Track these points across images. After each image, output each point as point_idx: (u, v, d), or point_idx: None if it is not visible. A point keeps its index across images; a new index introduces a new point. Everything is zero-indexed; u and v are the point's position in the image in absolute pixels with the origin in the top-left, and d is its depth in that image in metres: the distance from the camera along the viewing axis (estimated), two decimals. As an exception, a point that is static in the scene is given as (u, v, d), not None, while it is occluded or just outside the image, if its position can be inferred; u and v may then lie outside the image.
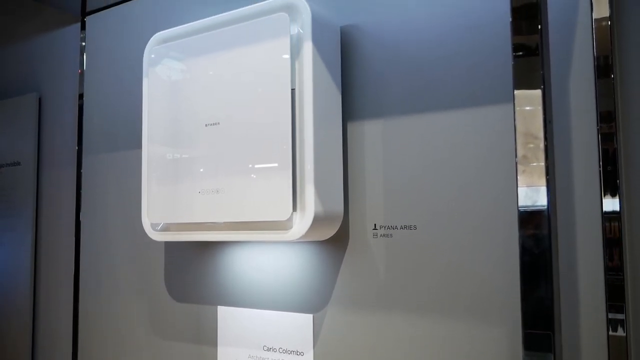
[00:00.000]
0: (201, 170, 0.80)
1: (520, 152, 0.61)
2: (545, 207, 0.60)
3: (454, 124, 0.71)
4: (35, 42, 1.28)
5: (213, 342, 0.91)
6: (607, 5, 0.62)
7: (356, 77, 0.79)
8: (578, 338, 0.63)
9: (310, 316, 0.81)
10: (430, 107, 0.73)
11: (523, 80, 0.62)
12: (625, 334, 0.60)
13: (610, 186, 0.61)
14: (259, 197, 0.74)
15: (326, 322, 0.80)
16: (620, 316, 0.60)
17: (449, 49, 0.72)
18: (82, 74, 1.15)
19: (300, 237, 0.72)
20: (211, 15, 0.84)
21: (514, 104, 0.61)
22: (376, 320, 0.76)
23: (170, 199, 0.83)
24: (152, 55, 0.88)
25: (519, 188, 0.61)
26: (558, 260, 0.64)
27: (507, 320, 0.66)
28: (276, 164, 0.73)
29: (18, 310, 1.21)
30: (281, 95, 0.73)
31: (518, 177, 0.61)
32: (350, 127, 0.80)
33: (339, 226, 0.78)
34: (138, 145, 0.96)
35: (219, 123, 0.79)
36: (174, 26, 0.89)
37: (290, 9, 0.75)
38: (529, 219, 0.61)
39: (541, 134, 0.60)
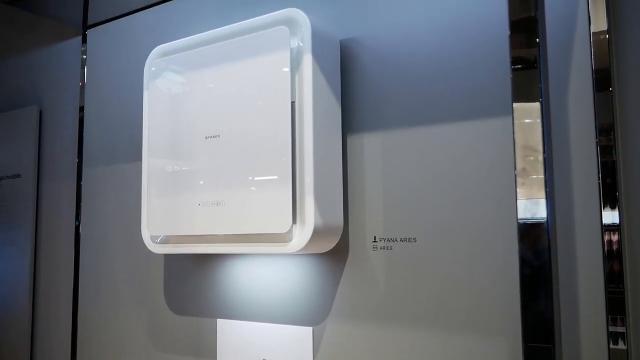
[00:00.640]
0: (201, 182, 0.80)
1: (519, 165, 0.61)
2: (545, 220, 0.60)
3: (453, 136, 0.72)
4: (37, 54, 1.28)
5: (212, 355, 0.90)
6: (605, 18, 0.63)
7: (356, 90, 0.80)
8: (579, 351, 0.62)
9: (310, 329, 0.81)
10: (430, 119, 0.74)
11: (522, 93, 0.62)
12: (626, 347, 0.60)
13: (610, 198, 0.61)
14: (258, 210, 0.74)
15: (326, 335, 0.79)
16: (621, 329, 0.60)
17: (448, 63, 0.73)
18: (82, 87, 1.16)
19: (300, 250, 0.72)
20: (212, 29, 0.84)
21: (512, 116, 0.61)
22: (376, 333, 0.75)
23: (170, 211, 0.83)
24: (153, 68, 0.88)
25: (518, 200, 0.61)
26: (558, 272, 0.64)
27: (507, 333, 0.66)
28: (276, 177, 0.73)
29: (17, 323, 1.20)
30: (281, 108, 0.74)
31: (517, 190, 0.61)
32: (350, 139, 0.80)
33: (338, 238, 0.78)
34: (138, 157, 0.96)
35: (219, 135, 0.79)
36: (175, 39, 0.89)
37: (290, 23, 0.76)
38: (528, 231, 0.61)
39: (540, 147, 0.60)
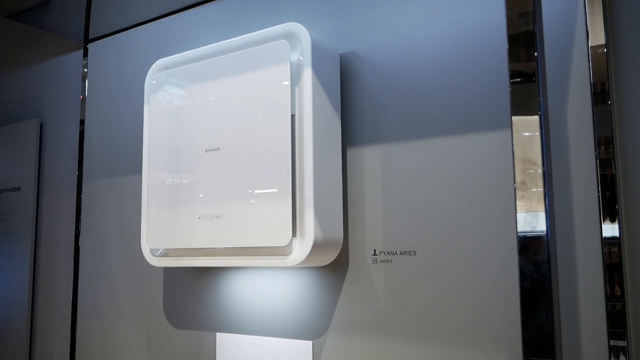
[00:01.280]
0: (201, 195, 0.80)
1: (518, 178, 0.61)
2: (545, 233, 0.60)
3: (452, 149, 0.72)
4: (38, 68, 1.29)
5: (212, 369, 0.90)
6: (603, 32, 0.63)
7: (356, 104, 0.80)
8: (580, 365, 0.62)
9: (309, 343, 0.80)
10: (429, 133, 0.74)
11: (521, 106, 0.62)
12: (627, 361, 0.59)
13: (610, 211, 0.61)
14: (258, 223, 0.74)
15: (326, 348, 0.79)
16: (622, 343, 0.59)
17: (447, 76, 0.73)
18: (83, 100, 1.16)
19: (300, 263, 0.72)
20: (212, 43, 0.85)
21: (512, 129, 0.62)
22: (376, 347, 0.75)
23: (170, 224, 0.83)
24: (153, 82, 0.89)
25: (517, 213, 0.61)
26: (558, 285, 0.63)
27: (507, 347, 0.66)
28: (276, 190, 0.73)
29: (16, 335, 1.19)
30: (281, 122, 0.74)
31: (517, 203, 0.61)
32: (350, 152, 0.80)
33: (338, 252, 0.78)
34: (138, 170, 0.97)
35: (219, 149, 0.79)
36: (175, 53, 0.90)
37: (290, 37, 0.76)
38: (528, 244, 0.61)
39: (539, 160, 0.60)
